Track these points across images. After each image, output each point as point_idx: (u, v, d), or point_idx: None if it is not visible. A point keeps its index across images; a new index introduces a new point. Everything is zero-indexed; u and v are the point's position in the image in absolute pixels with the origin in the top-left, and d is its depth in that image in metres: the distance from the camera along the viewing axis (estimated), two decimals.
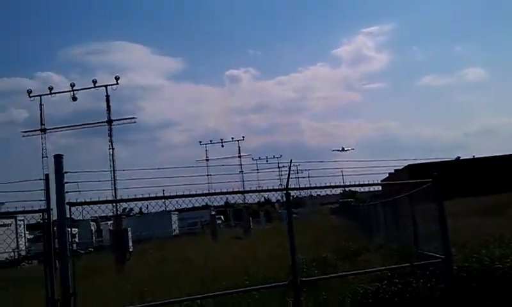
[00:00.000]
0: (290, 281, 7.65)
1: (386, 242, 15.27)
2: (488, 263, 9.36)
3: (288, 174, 8.29)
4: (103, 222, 52.89)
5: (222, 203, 78.40)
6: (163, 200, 7.86)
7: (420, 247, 10.69)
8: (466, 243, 11.90)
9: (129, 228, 24.30)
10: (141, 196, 7.48)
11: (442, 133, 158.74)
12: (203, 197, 8.18)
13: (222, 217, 71.52)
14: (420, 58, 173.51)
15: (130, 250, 22.98)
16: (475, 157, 64.13)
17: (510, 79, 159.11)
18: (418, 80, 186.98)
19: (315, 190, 9.66)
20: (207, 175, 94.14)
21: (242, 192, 8.72)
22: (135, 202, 7.75)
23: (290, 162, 8.76)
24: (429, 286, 8.76)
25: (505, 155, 59.77)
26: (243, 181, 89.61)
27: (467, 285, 8.83)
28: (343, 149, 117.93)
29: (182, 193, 7.43)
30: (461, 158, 62.84)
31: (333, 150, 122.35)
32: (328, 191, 9.26)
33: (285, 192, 8.08)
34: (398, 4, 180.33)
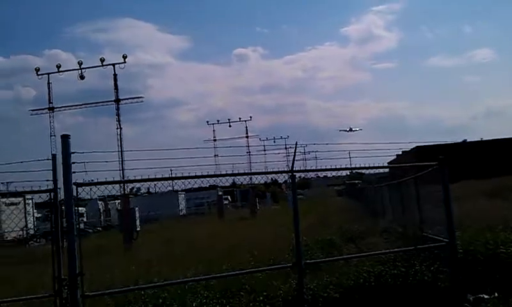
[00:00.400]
0: (294, 263, 7.71)
1: (392, 224, 15.30)
2: (492, 247, 9.40)
3: (294, 157, 8.32)
4: (111, 202, 53.12)
5: (229, 183, 78.74)
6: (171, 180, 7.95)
7: (425, 230, 10.70)
8: (471, 226, 11.94)
9: (136, 208, 24.39)
10: (147, 177, 7.54)
11: (450, 115, 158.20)
12: (210, 178, 8.26)
13: (229, 197, 71.67)
14: (428, 38, 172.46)
15: (138, 229, 23.07)
16: (483, 139, 63.86)
17: None
18: (427, 60, 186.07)
19: (322, 172, 9.65)
20: (215, 156, 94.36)
21: (249, 174, 8.78)
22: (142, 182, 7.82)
23: (296, 144, 8.81)
24: (432, 269, 8.80)
25: None
26: (250, 162, 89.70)
27: (472, 269, 8.87)
28: (350, 130, 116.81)
29: (188, 173, 7.51)
30: (468, 140, 62.48)
31: (340, 130, 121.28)
32: (335, 173, 9.30)
33: (290, 174, 8.13)
34: None
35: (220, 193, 46.14)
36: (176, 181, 7.91)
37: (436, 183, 9.29)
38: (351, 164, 9.60)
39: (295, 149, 8.62)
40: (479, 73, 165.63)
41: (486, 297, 8.32)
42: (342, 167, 9.25)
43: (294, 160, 8.19)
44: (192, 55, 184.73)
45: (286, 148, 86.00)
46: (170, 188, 10.02)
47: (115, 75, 63.03)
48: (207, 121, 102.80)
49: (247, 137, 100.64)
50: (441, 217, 9.11)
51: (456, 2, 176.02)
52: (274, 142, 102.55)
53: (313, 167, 12.16)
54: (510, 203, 18.88)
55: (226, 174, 8.52)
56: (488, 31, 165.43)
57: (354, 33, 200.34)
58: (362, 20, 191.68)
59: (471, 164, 45.10)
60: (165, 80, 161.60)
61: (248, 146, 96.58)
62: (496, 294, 8.35)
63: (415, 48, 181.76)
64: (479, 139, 63.59)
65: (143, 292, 7.72)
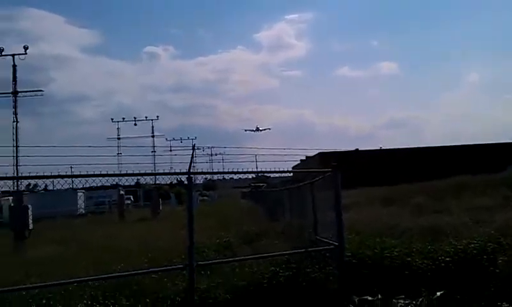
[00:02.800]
0: (186, 265, 7.67)
1: (289, 227, 15.61)
2: (378, 251, 9.84)
3: (192, 158, 8.31)
4: (4, 198, 50.28)
5: (132, 183, 76.88)
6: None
7: (318, 234, 11.01)
8: (363, 231, 12.45)
9: (29, 205, 23.24)
10: (43, 174, 7.21)
11: (355, 124, 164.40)
12: (112, 177, 8.07)
13: (131, 197, 70.13)
14: (337, 49, 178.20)
15: (30, 228, 22.07)
16: (382, 148, 67.05)
17: (420, 74, 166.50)
18: (335, 70, 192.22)
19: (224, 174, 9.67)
20: (118, 154, 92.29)
21: (141, 174, 8.57)
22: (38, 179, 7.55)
23: (193, 145, 8.97)
24: (323, 271, 9.07)
25: (410, 148, 62.93)
26: (155, 162, 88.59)
27: (359, 271, 9.23)
28: (257, 130, 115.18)
29: (90, 172, 7.31)
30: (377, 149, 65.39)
31: (245, 130, 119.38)
32: (242, 175, 9.43)
33: (186, 176, 8.08)
34: None
35: (122, 192, 44.98)
36: (76, 179, 7.67)
37: (330, 189, 9.60)
38: (256, 168, 9.74)
39: (193, 151, 8.67)
40: (383, 85, 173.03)
41: (370, 298, 8.65)
42: (245, 170, 9.36)
43: (191, 161, 8.18)
44: (101, 50, 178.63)
45: (193, 149, 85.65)
46: (70, 186, 9.70)
47: (14, 66, 60.33)
48: (112, 119, 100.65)
49: (153, 136, 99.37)
50: (332, 221, 9.42)
51: (363, 16, 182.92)
52: (181, 142, 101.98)
53: (220, 170, 12.32)
54: (402, 210, 19.89)
55: (123, 174, 8.40)
56: (393, 45, 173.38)
57: (265, 40, 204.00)
58: (274, 27, 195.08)
59: (370, 172, 47.07)
60: (70, 74, 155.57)
61: (154, 146, 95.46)
62: (379, 296, 8.71)
63: (324, 58, 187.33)
64: (378, 148, 66.81)
65: (24, 293, 7.37)
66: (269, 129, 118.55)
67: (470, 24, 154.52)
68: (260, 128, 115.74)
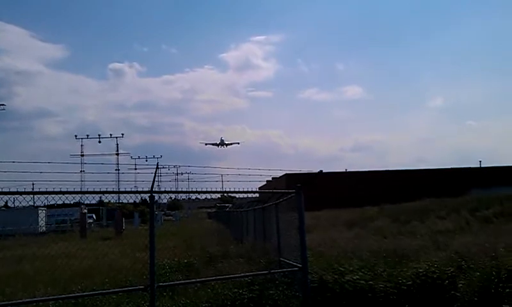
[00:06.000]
0: (147, 286, 7.53)
1: (253, 248, 15.53)
2: (341, 274, 9.84)
3: (154, 177, 8.19)
4: None
5: (95, 201, 75.73)
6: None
7: (282, 255, 10.96)
8: (325, 253, 12.48)
9: None
10: (1, 190, 7.05)
11: (321, 146, 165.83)
12: (74, 195, 7.92)
13: (94, 215, 68.94)
14: (304, 71, 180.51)
15: None
16: (347, 170, 67.76)
17: (384, 99, 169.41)
18: (301, 92, 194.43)
19: (188, 194, 9.58)
20: (81, 171, 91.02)
21: (103, 193, 8.45)
22: None
23: (157, 164, 8.77)
24: (286, 294, 9.02)
25: (375, 171, 63.81)
26: (118, 180, 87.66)
27: (322, 294, 9.21)
28: (222, 143, 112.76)
29: (52, 189, 7.12)
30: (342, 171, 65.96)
31: (206, 144, 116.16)
32: (207, 195, 9.37)
33: (149, 195, 7.96)
34: (288, 16, 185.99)
35: (84, 211, 44.22)
36: (38, 196, 7.48)
37: (294, 210, 9.57)
38: (222, 187, 9.66)
39: (156, 170, 8.52)
40: (349, 108, 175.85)
41: None
42: (209, 190, 9.28)
43: (154, 180, 8.05)
44: (66, 66, 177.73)
45: (158, 168, 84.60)
46: (31, 203, 9.49)
47: None
48: (76, 136, 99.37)
49: (117, 154, 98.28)
50: (296, 243, 9.39)
51: (330, 40, 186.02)
52: (147, 161, 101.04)
53: (185, 189, 12.38)
54: (365, 232, 20.05)
55: (85, 192, 8.23)
56: (358, 69, 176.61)
57: (232, 60, 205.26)
58: (241, 47, 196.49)
59: (335, 193, 47.38)
60: (34, 89, 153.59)
61: (118, 164, 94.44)
62: None
63: (291, 80, 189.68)
64: (344, 170, 67.49)
65: None
66: (238, 143, 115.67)
67: (434, 50, 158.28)
68: (226, 142, 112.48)
